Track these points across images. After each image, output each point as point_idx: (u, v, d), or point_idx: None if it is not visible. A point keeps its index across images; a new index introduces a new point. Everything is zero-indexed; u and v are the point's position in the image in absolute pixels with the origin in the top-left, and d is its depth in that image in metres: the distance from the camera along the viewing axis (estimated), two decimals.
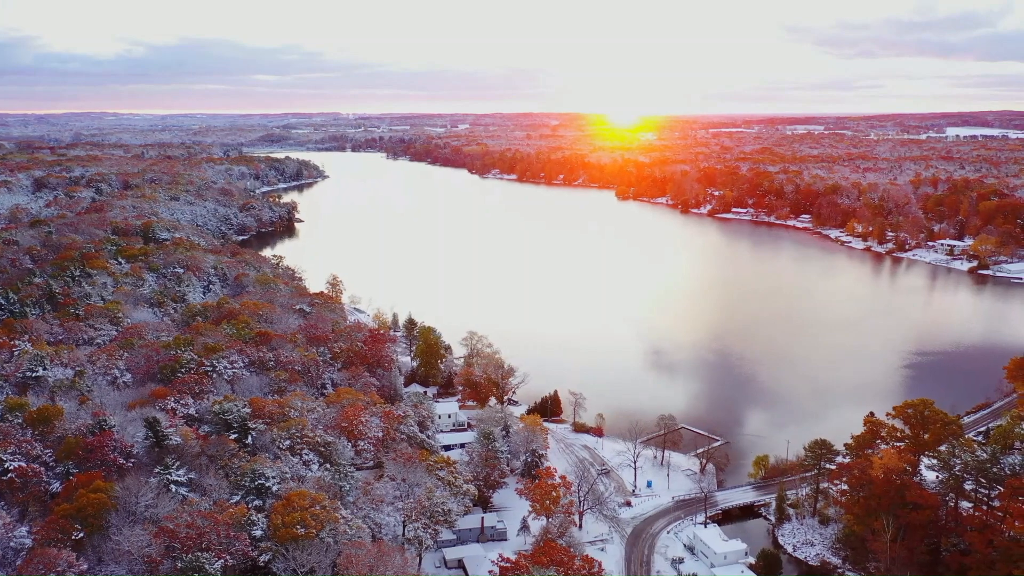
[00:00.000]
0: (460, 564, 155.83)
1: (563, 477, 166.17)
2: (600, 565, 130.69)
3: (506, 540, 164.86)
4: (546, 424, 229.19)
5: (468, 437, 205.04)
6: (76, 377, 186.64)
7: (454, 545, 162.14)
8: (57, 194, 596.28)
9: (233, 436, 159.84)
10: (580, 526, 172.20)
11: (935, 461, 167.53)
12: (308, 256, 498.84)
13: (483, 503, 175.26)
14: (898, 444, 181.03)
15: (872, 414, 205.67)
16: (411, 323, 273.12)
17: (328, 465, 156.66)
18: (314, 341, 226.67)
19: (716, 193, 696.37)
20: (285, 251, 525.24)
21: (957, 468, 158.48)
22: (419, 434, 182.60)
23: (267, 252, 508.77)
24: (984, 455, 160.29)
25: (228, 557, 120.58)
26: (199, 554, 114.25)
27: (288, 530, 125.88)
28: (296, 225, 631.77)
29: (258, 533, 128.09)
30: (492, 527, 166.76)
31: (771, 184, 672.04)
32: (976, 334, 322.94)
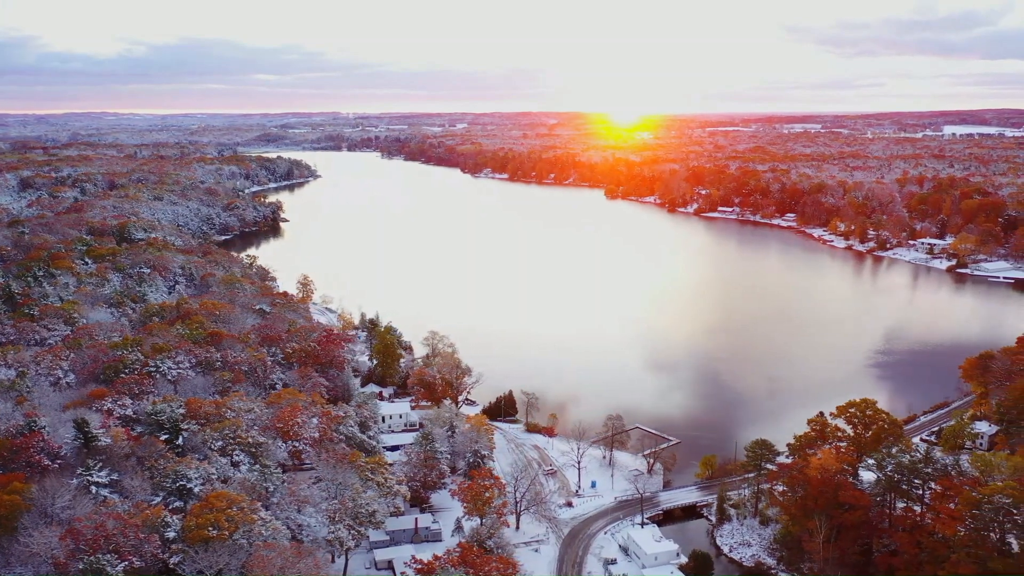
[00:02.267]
0: (390, 565, 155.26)
1: (496, 478, 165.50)
2: (517, 567, 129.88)
3: (440, 541, 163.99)
4: (499, 424, 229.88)
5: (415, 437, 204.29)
6: (17, 378, 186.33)
7: (387, 546, 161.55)
8: (41, 194, 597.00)
9: (164, 437, 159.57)
10: (518, 527, 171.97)
11: (871, 462, 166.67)
12: (288, 256, 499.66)
13: (421, 504, 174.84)
14: (840, 444, 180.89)
15: (821, 414, 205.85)
16: (371, 323, 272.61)
17: (273, 465, 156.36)
18: (267, 341, 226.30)
19: (703, 192, 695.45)
20: (267, 251, 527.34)
21: (889, 469, 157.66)
22: (359, 435, 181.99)
23: (251, 251, 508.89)
24: (918, 456, 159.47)
25: (135, 559, 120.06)
26: (100, 556, 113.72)
27: (199, 532, 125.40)
28: (281, 225, 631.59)
29: (171, 535, 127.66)
30: (426, 528, 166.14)
31: (757, 183, 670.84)
32: (946, 333, 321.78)
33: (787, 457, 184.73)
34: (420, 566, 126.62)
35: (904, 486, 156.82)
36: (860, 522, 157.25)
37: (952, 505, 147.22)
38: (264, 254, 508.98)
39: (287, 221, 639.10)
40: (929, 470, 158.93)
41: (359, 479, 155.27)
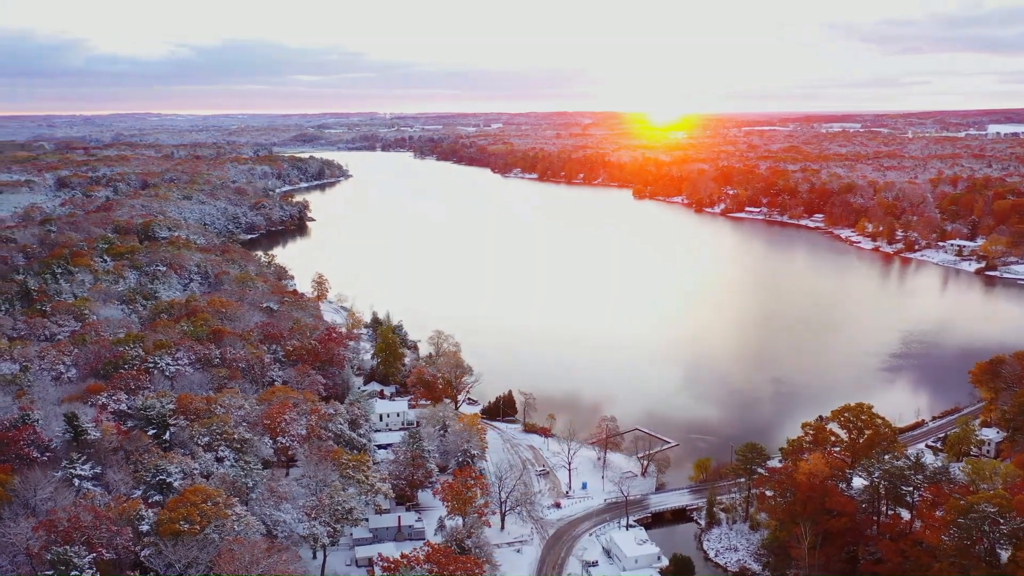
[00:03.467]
0: (370, 563, 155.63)
1: (479, 477, 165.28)
2: (483, 567, 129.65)
3: (423, 539, 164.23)
4: (498, 424, 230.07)
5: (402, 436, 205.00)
6: (20, 372, 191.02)
7: (370, 544, 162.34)
8: (75, 193, 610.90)
9: (152, 432, 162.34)
10: (503, 527, 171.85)
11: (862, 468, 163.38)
12: (311, 254, 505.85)
13: (407, 502, 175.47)
14: (834, 449, 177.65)
15: (820, 417, 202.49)
16: (376, 321, 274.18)
17: (254, 461, 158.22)
18: (268, 339, 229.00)
19: (731, 192, 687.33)
20: (292, 249, 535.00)
21: (876, 475, 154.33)
22: (348, 432, 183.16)
23: (276, 250, 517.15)
24: (907, 462, 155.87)
25: (105, 551, 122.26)
26: (67, 548, 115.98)
27: (171, 526, 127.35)
28: (308, 224, 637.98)
29: (145, 528, 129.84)
30: (409, 526, 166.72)
31: (786, 183, 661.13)
32: (966, 336, 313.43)
33: (780, 462, 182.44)
34: (387, 563, 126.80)
35: (892, 493, 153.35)
36: (847, 529, 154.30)
37: (939, 513, 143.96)
38: (287, 253, 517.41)
39: (313, 220, 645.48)
40: (920, 477, 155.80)
41: (340, 477, 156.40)
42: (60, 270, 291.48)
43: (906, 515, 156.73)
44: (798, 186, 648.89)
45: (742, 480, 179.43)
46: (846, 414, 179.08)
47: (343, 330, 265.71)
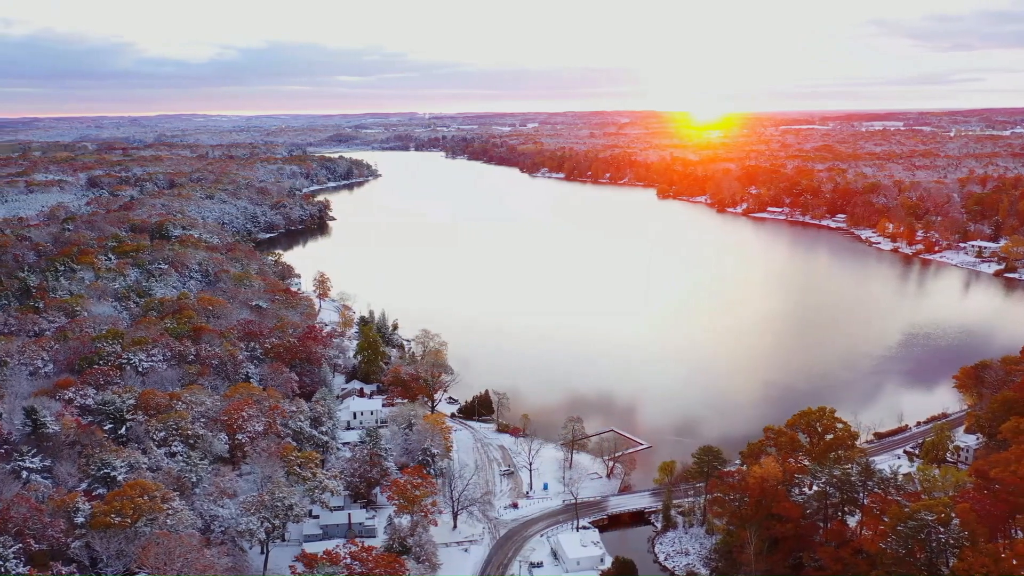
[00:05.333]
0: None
1: (426, 476, 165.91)
2: (403, 565, 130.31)
3: (374, 537, 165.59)
4: (472, 424, 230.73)
5: (382, 434, 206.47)
6: (1, 366, 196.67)
7: (320, 540, 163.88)
8: (103, 193, 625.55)
9: (108, 427, 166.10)
10: (455, 526, 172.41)
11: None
12: (324, 253, 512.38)
13: (363, 499, 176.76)
14: (797, 454, 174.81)
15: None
16: (363, 320, 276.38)
17: (198, 457, 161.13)
18: (247, 336, 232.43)
19: (754, 192, 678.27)
20: (308, 248, 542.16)
21: (823, 480, 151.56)
22: (309, 430, 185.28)
23: (295, 249, 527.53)
24: (856, 468, 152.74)
25: (35, 542, 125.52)
26: None
27: (102, 519, 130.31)
28: (329, 223, 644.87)
29: (80, 520, 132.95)
30: (360, 524, 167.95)
31: (809, 183, 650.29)
32: (971, 340, 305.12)
33: (743, 465, 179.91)
34: (304, 559, 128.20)
35: (837, 499, 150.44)
36: (793, 535, 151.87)
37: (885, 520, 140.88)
38: (302, 252, 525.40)
39: (334, 220, 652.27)
40: (872, 483, 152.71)
41: (287, 474, 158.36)
42: (63, 267, 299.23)
43: (848, 521, 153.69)
44: (821, 186, 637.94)
45: (700, 484, 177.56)
46: (806, 419, 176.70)
47: (333, 328, 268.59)
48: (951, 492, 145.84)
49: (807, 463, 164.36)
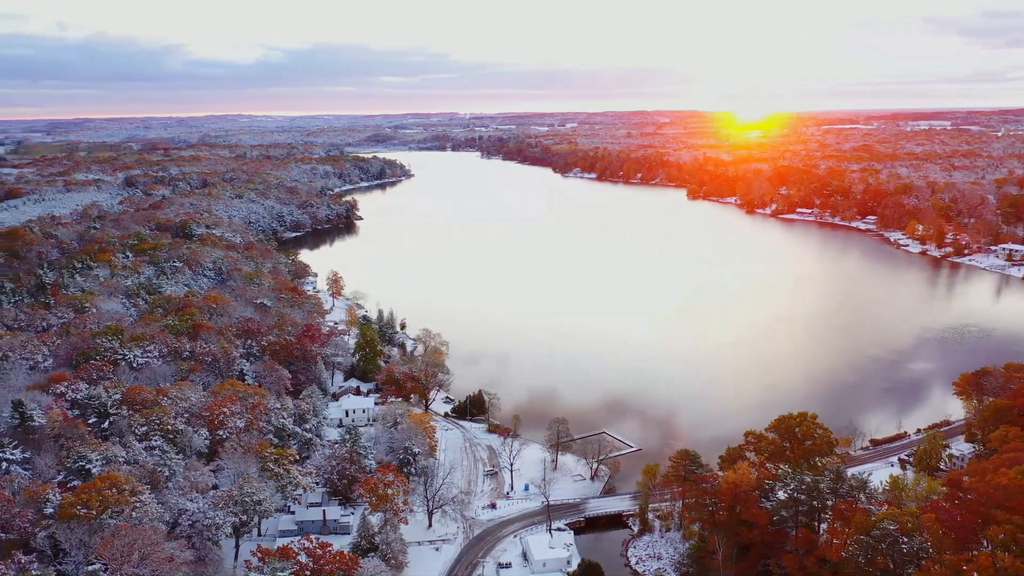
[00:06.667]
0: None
1: (398, 474, 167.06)
2: (355, 559, 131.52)
3: (348, 534, 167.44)
4: (464, 423, 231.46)
5: (369, 432, 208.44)
6: (2, 360, 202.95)
7: (295, 535, 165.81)
8: (136, 192, 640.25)
9: (92, 420, 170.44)
10: (430, 524, 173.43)
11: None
12: (345, 252, 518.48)
13: (338, 496, 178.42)
14: (774, 459, 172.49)
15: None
16: (364, 319, 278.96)
17: (174, 451, 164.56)
18: (245, 334, 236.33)
19: (783, 192, 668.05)
20: (333, 247, 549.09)
21: (791, 487, 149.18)
22: (292, 426, 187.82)
23: (322, 248, 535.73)
24: (827, 475, 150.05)
25: (2, 531, 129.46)
26: None
27: (68, 510, 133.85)
28: (356, 223, 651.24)
29: (50, 511, 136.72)
30: (335, 520, 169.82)
31: (840, 183, 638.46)
32: (985, 347, 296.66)
33: (721, 470, 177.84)
34: (261, 554, 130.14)
35: (804, 506, 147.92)
36: (762, 541, 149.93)
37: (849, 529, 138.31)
38: (328, 251, 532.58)
39: (361, 219, 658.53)
40: (842, 490, 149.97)
41: (260, 469, 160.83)
42: (80, 265, 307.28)
43: (814, 528, 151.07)
44: (852, 186, 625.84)
45: (679, 488, 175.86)
46: (785, 423, 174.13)
47: (335, 327, 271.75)
48: (922, 502, 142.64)
49: (781, 469, 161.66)
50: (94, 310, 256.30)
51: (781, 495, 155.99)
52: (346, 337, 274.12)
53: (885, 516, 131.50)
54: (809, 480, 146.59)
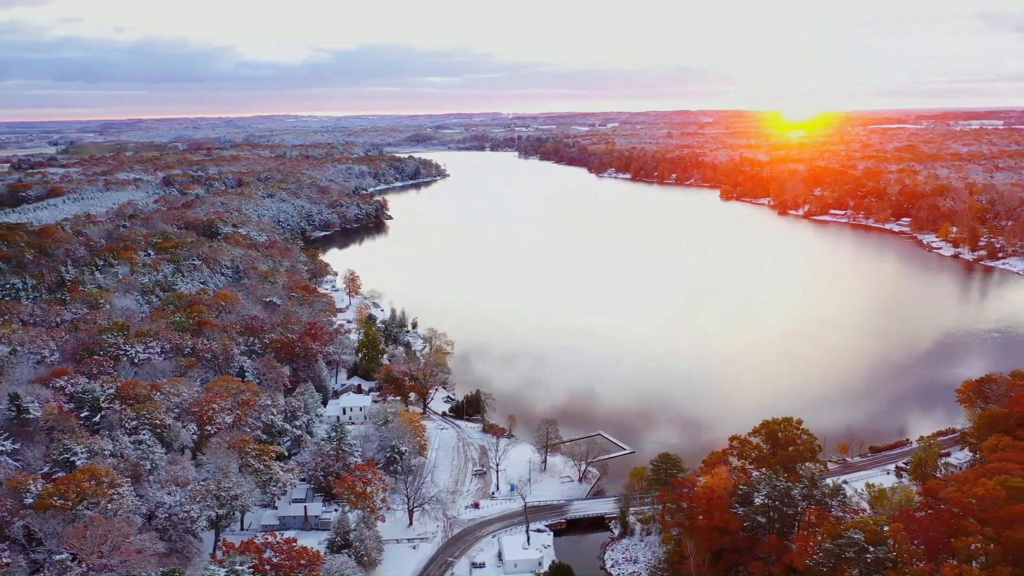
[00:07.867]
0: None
1: (376, 472, 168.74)
2: (318, 555, 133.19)
3: (328, 530, 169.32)
4: (460, 423, 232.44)
5: (361, 430, 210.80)
6: (10, 354, 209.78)
7: (277, 530, 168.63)
8: (172, 191, 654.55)
9: (84, 414, 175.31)
10: (410, 523, 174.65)
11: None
12: (372, 252, 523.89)
13: (322, 492, 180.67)
14: (756, 463, 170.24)
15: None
16: (371, 318, 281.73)
17: (157, 445, 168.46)
18: (248, 331, 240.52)
19: (817, 193, 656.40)
20: (361, 246, 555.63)
21: (764, 493, 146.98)
22: (280, 423, 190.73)
23: (351, 247, 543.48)
24: (801, 482, 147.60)
25: None
26: None
27: (45, 500, 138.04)
28: (385, 222, 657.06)
29: (29, 501, 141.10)
30: (316, 516, 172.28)
31: (875, 184, 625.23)
32: (1005, 354, 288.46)
33: (701, 475, 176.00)
34: (225, 549, 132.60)
35: (775, 513, 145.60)
36: (733, 547, 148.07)
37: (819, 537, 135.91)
38: (357, 249, 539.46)
39: (391, 219, 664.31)
40: (816, 496, 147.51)
41: (240, 465, 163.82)
42: (102, 262, 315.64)
43: (785, 535, 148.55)
44: (888, 188, 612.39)
45: (657, 492, 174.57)
46: (768, 428, 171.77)
47: (341, 325, 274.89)
48: (896, 511, 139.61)
49: (755, 475, 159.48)
50: (107, 306, 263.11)
51: (758, 501, 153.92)
52: (352, 335, 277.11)
53: (853, 525, 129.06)
54: (781, 486, 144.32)
